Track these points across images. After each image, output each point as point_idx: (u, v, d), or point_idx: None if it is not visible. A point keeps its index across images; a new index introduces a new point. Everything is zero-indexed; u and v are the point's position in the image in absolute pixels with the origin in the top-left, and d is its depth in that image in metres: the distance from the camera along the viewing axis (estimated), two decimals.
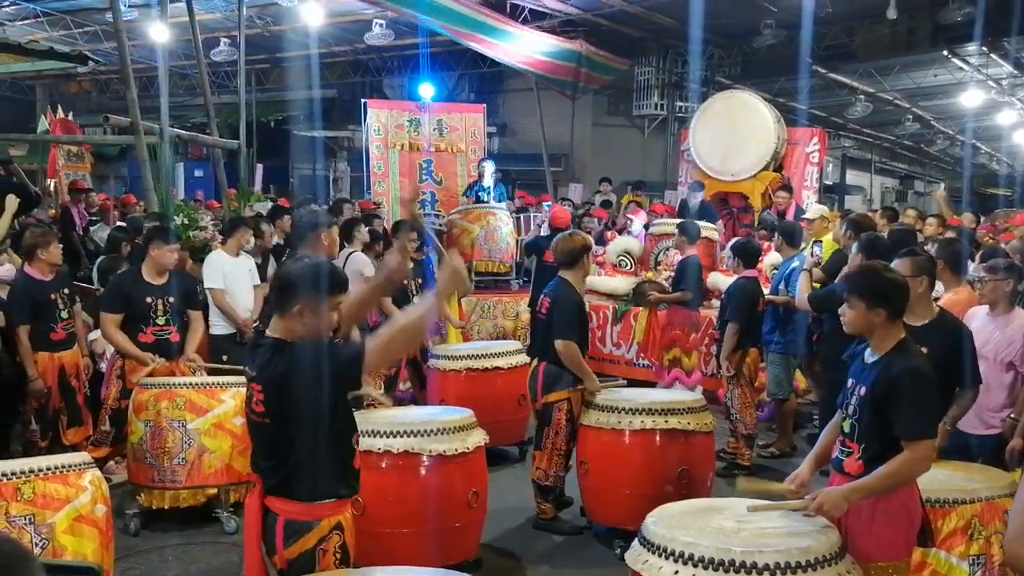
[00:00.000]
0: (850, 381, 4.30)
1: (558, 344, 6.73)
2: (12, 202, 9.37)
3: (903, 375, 4.02)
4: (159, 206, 11.15)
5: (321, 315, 3.80)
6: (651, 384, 9.97)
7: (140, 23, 18.95)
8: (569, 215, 12.69)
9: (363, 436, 5.91)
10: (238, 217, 10.16)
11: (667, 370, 10.36)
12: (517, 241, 13.30)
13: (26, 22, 20.09)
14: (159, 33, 15.96)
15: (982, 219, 13.94)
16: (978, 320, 6.19)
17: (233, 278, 8.92)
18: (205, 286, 8.72)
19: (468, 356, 8.61)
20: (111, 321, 7.48)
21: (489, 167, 14.70)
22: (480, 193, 14.30)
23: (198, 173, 25.33)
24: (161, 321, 7.55)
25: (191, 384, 7.09)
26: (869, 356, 4.23)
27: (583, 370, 6.83)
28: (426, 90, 17.15)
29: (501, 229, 12.87)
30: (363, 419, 6.10)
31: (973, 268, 6.63)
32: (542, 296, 7.11)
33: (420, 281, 10.08)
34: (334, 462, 3.86)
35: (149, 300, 7.51)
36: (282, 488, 3.81)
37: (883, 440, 4.05)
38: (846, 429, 4.23)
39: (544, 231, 12.78)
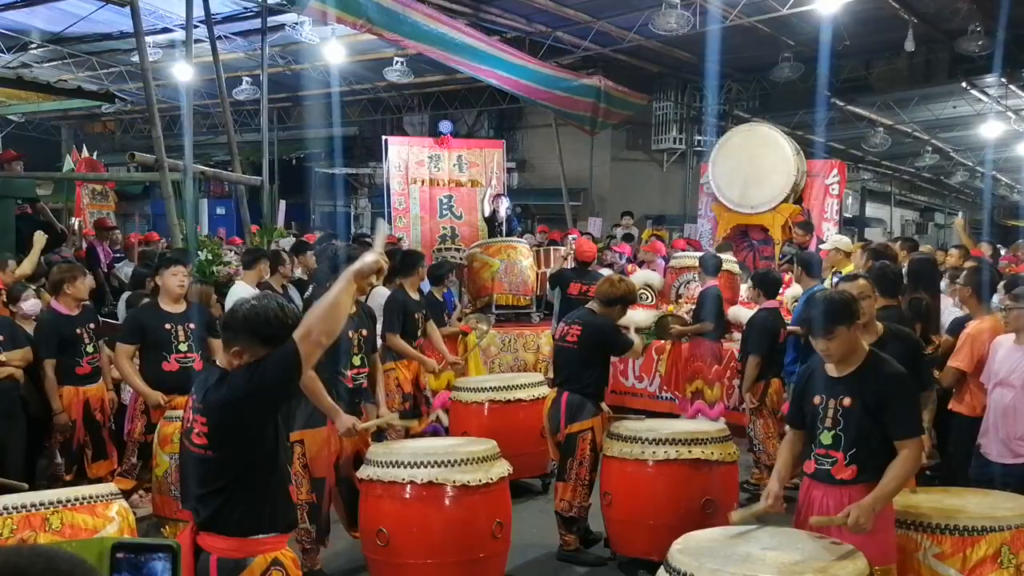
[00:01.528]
0: (817, 397, 4.58)
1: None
2: (40, 239, 9.48)
3: (893, 381, 4.42)
4: (183, 241, 11.23)
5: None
6: (674, 417, 9.94)
7: (164, 63, 19.15)
8: (595, 248, 12.71)
9: (386, 466, 5.93)
10: (257, 249, 10.21)
11: (690, 402, 10.32)
12: (537, 274, 13.31)
13: (53, 64, 20.33)
14: (183, 73, 16.11)
15: (1003, 250, 13.88)
16: (1004, 348, 6.17)
17: None
18: None
19: (490, 388, 8.62)
20: (124, 352, 7.51)
21: (504, 203, 14.78)
22: (495, 225, 14.35)
23: (220, 210, 25.51)
24: (184, 348, 7.56)
25: None
26: (835, 371, 4.54)
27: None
28: (446, 127, 17.24)
29: (521, 263, 12.88)
30: (386, 450, 6.13)
31: (998, 298, 6.61)
32: (563, 325, 7.12)
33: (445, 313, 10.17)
34: (272, 493, 3.67)
35: (168, 327, 7.51)
36: (216, 522, 3.61)
37: (873, 442, 4.38)
38: (826, 441, 4.49)
39: (569, 263, 12.77)
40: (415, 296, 9.14)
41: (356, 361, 6.50)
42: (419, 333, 9.02)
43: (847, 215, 24.45)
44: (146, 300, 8.50)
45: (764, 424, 8.52)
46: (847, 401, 4.44)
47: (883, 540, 4.38)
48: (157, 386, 7.48)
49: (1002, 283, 6.55)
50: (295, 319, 3.66)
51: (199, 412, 3.64)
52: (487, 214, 15.23)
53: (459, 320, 11.42)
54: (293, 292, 9.88)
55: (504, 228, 14.53)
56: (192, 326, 7.66)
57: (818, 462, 4.54)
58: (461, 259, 13.35)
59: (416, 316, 8.94)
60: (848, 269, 9.54)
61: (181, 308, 7.69)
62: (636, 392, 11.88)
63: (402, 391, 8.87)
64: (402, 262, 9.45)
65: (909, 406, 4.45)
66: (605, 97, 18.66)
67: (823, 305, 4.58)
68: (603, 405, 7.18)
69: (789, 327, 8.88)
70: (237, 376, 3.58)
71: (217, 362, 3.81)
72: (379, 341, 8.02)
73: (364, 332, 6.58)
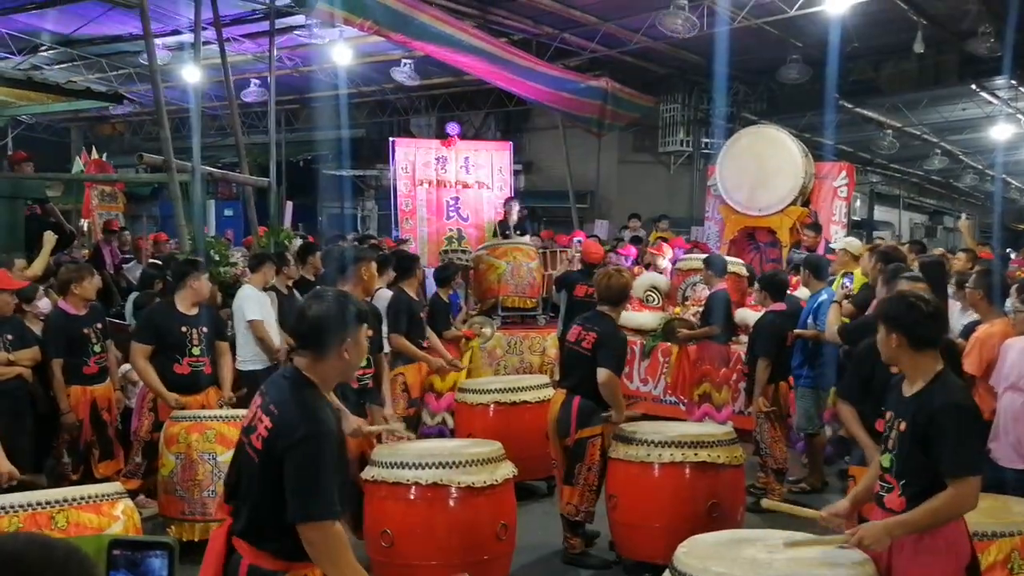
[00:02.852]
0: (888, 413, 4.23)
1: (603, 374, 6.74)
2: (50, 239, 9.52)
3: (944, 411, 3.92)
4: (190, 243, 11.25)
5: (360, 353, 3.75)
6: (679, 421, 9.92)
7: (173, 65, 19.18)
8: (603, 250, 12.70)
9: (391, 468, 5.93)
10: (263, 253, 10.25)
11: (697, 405, 10.31)
12: (544, 276, 13.30)
13: (63, 66, 20.38)
14: (192, 75, 16.16)
15: (1013, 254, 13.83)
16: (1015, 352, 6.15)
17: (266, 312, 9.00)
18: (247, 318, 8.79)
19: (496, 390, 8.63)
20: (141, 352, 7.55)
21: (515, 207, 14.79)
22: (507, 232, 14.35)
23: (228, 212, 25.51)
24: (196, 352, 7.63)
25: (221, 417, 7.15)
26: (907, 389, 4.16)
27: (619, 401, 6.88)
28: (452, 129, 17.25)
29: (528, 265, 12.88)
30: (391, 451, 6.14)
31: (1011, 302, 6.58)
32: (578, 328, 7.09)
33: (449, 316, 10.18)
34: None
35: (184, 330, 7.59)
36: (252, 534, 3.56)
37: (925, 476, 3.95)
38: (885, 464, 4.14)
39: (576, 266, 12.76)
40: (416, 298, 9.19)
41: (362, 362, 6.49)
42: (425, 334, 9.05)
43: (855, 218, 24.42)
44: (159, 301, 8.53)
45: (771, 427, 8.50)
46: (903, 425, 4.06)
47: (924, 570, 3.96)
48: (168, 387, 7.53)
49: (1015, 286, 6.52)
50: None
51: (267, 413, 3.57)
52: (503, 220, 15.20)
53: (463, 323, 11.41)
54: (298, 295, 9.91)
55: (516, 232, 14.50)
56: (205, 330, 7.74)
57: (880, 486, 4.18)
58: (467, 261, 13.34)
59: (420, 317, 8.98)
60: (857, 272, 9.53)
61: (195, 311, 7.74)
62: (640, 395, 11.86)
63: (408, 396, 8.90)
64: (399, 266, 9.48)
65: (960, 441, 3.89)
66: (612, 99, 18.65)
67: (892, 297, 4.45)
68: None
69: (796, 330, 8.86)
70: (325, 407, 3.59)
71: (295, 364, 3.72)
72: (386, 343, 8.05)
73: (370, 332, 6.57)
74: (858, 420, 5.65)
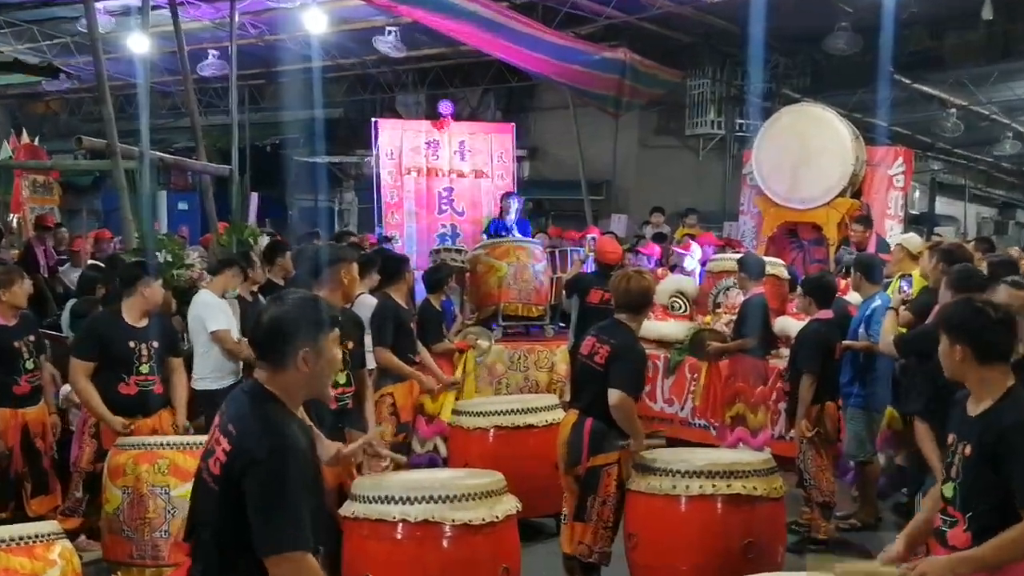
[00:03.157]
0: (950, 437, 4.23)
1: (616, 397, 6.69)
2: None
3: (1015, 430, 3.92)
4: (138, 241, 11.25)
5: (328, 364, 3.77)
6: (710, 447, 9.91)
7: (117, 33, 19.18)
8: (621, 249, 12.68)
9: (374, 502, 5.93)
10: (229, 256, 10.24)
11: (730, 429, 10.30)
12: (552, 280, 13.31)
13: None
14: (139, 44, 16.19)
15: None
16: None
17: (230, 321, 9.00)
18: (210, 328, 8.75)
19: (496, 412, 8.59)
20: (81, 369, 7.55)
21: (514, 204, 14.80)
22: (501, 232, 14.37)
23: (183, 206, 25.53)
24: (145, 369, 7.65)
25: (175, 444, 7.12)
26: (972, 408, 4.16)
27: (635, 427, 6.83)
28: (446, 108, 17.26)
29: (533, 266, 12.87)
30: (374, 483, 6.14)
31: None
32: (592, 339, 7.08)
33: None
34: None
35: (132, 345, 7.60)
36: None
37: (994, 507, 3.94)
38: (948, 494, 4.14)
39: (589, 267, 12.74)
40: (405, 305, 9.20)
41: (340, 379, 6.52)
42: (415, 347, 9.06)
43: (913, 211, 24.35)
44: (101, 309, 8.53)
45: (816, 455, 8.48)
46: (967, 449, 4.04)
47: None
48: (111, 411, 7.53)
49: None
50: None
51: (225, 433, 3.61)
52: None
53: (456, 334, 11.40)
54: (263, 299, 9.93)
55: (514, 233, 14.54)
56: (156, 344, 7.76)
57: (941, 519, 4.18)
58: (462, 262, 13.34)
59: (410, 327, 8.99)
60: (916, 273, 9.52)
61: (145, 322, 7.76)
62: (665, 417, 11.85)
63: (398, 419, 8.89)
64: (385, 268, 9.47)
65: None
66: (631, 73, 18.66)
67: (956, 303, 4.45)
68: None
69: (845, 341, 8.86)
70: (293, 423, 3.64)
71: (255, 377, 3.77)
72: (370, 358, 8.04)
73: (350, 344, 6.60)
74: (933, 438, 5.63)
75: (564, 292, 12.62)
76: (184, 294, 10.22)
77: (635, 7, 18.36)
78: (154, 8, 13.20)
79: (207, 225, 14.63)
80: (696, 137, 24.00)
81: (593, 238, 14.39)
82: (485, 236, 14.65)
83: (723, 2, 16.32)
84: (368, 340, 7.88)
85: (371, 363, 8.16)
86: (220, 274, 9.29)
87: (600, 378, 6.83)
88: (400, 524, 5.84)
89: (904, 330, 8.16)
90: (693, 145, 24.29)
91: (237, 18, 15.35)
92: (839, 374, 8.85)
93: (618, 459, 6.81)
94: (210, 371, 8.84)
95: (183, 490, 6.85)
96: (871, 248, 12.18)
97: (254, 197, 16.26)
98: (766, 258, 11.52)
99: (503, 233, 14.28)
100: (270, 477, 3.42)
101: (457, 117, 17.87)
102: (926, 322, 7.47)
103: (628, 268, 8.09)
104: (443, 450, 9.61)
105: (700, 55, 22.62)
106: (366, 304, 8.94)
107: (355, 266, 6.76)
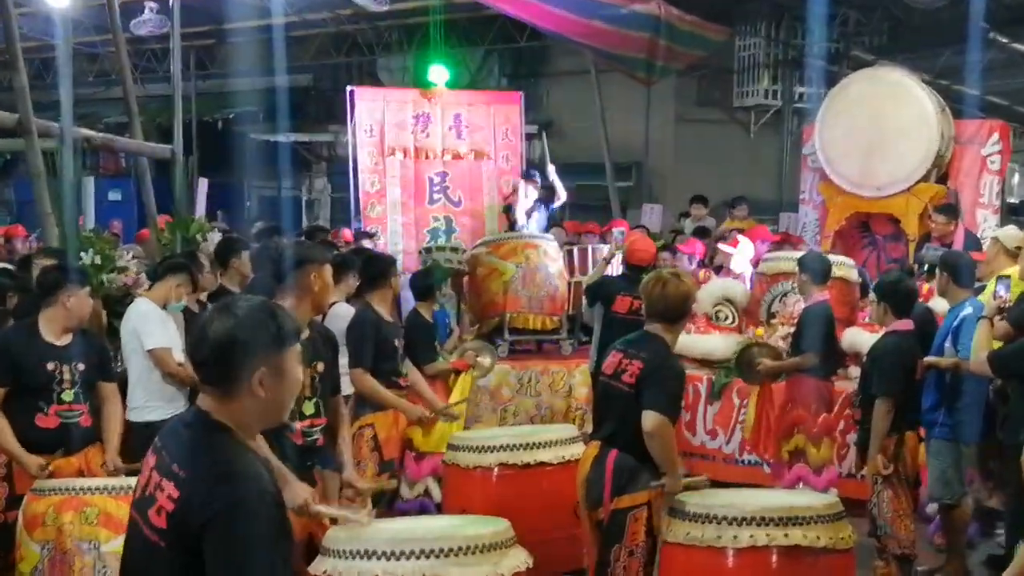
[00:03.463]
0: None
1: (651, 420, 6.71)
2: None
3: None
4: (59, 239, 11.28)
5: (289, 386, 3.72)
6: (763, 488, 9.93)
7: None
8: (654, 246, 12.69)
9: (352, 558, 5.95)
10: (176, 260, 10.21)
11: (787, 466, 10.32)
12: (570, 285, 13.33)
13: None
14: None
15: None
16: None
17: (172, 336, 8.99)
18: (146, 346, 8.74)
19: (501, 447, 8.55)
20: None
21: (530, 188, 14.83)
22: (515, 221, 14.42)
23: (114, 195, 25.58)
24: (68, 397, 7.64)
25: (107, 488, 7.10)
26: None
27: (673, 461, 6.84)
28: (439, 73, 17.29)
29: (547, 268, 12.91)
30: (352, 535, 6.15)
31: None
32: (618, 355, 7.11)
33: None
34: None
35: (51, 367, 7.60)
36: None
37: None
38: None
39: (616, 269, 12.74)
40: (389, 318, 9.20)
41: (307, 408, 6.52)
42: (401, 369, 9.07)
43: (1012, 199, 24.39)
44: (13, 324, 8.55)
45: (894, 497, 8.50)
46: None
47: None
48: (27, 448, 7.52)
49: None
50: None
51: (169, 476, 3.56)
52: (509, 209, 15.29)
53: (451, 352, 11.37)
54: None
55: (529, 225, 14.60)
56: (81, 367, 7.77)
57: None
58: (460, 263, 13.39)
59: (395, 344, 8.99)
60: (1014, 273, 9.54)
61: (68, 340, 7.77)
62: (707, 453, 11.87)
63: (380, 456, 8.91)
64: (365, 271, 9.48)
65: None
66: (667, 31, 18.68)
67: None
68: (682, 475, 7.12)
69: (929, 358, 8.87)
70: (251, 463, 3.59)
71: (199, 405, 3.70)
72: (346, 381, 8.06)
73: (320, 366, 6.61)
74: None
75: (584, 299, 12.63)
76: (117, 304, 10.23)
77: None
78: None
79: (145, 219, 14.64)
80: (746, 109, 24.06)
81: (621, 232, 14.39)
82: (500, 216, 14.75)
83: None
84: (344, 360, 7.91)
85: (347, 388, 8.18)
86: (163, 281, 9.26)
87: (628, 401, 6.85)
88: None
89: (1000, 344, 8.17)
90: (743, 119, 24.35)
91: None
92: (921, 398, 8.87)
93: (648, 501, 6.83)
94: (149, 399, 8.78)
95: (116, 544, 6.82)
96: (958, 244, 12.18)
97: (202, 184, 16.23)
98: (831, 257, 11.51)
99: (515, 222, 14.33)
100: (237, 532, 3.37)
101: (452, 85, 17.89)
102: None
103: (663, 269, 8.08)
104: (436, 494, 9.61)
105: (752, 9, 22.67)
106: (341, 315, 8.97)
107: (328, 269, 6.72)
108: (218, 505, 3.39)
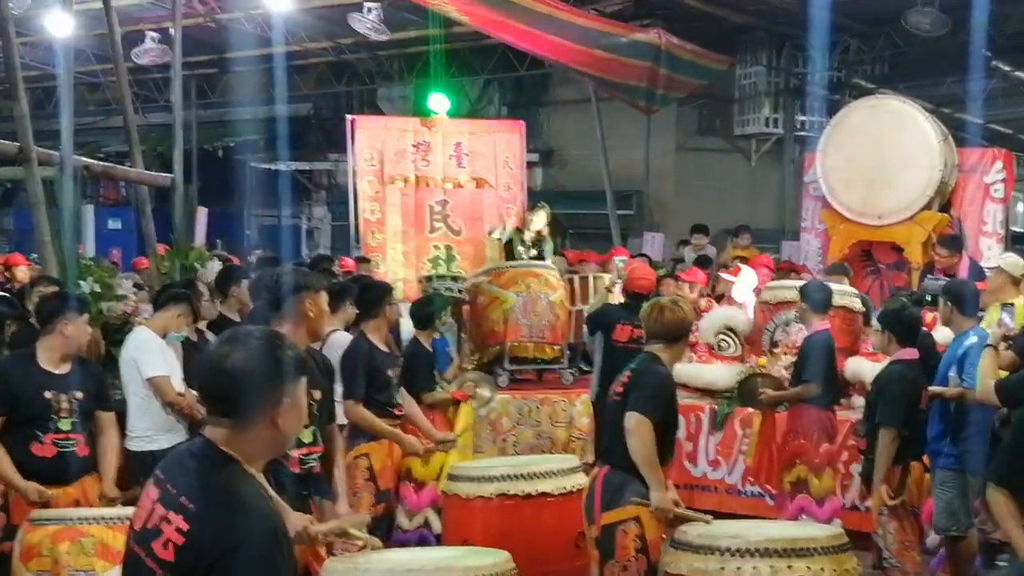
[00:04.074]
0: None
1: (631, 420, 6.74)
2: None
3: None
4: (58, 267, 11.25)
5: (298, 417, 3.73)
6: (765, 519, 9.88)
7: (34, 12, 19.27)
8: (654, 275, 12.69)
9: None
10: (177, 290, 10.19)
11: (789, 497, 10.27)
12: (571, 314, 13.30)
13: None
14: (61, 25, 16.23)
15: None
16: None
17: (171, 364, 8.97)
18: (145, 375, 8.73)
19: (501, 477, 8.51)
20: None
21: (541, 218, 14.79)
22: (519, 247, 14.38)
23: (114, 224, 25.63)
24: (65, 426, 7.61)
25: (104, 518, 7.06)
26: None
27: (652, 466, 6.82)
28: (439, 102, 17.29)
29: (547, 296, 12.88)
30: (350, 566, 6.10)
31: None
32: (619, 378, 7.12)
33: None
34: None
35: (48, 396, 7.59)
36: None
37: None
38: None
39: (617, 297, 12.71)
40: (384, 347, 9.16)
41: (306, 436, 6.48)
42: (395, 399, 9.02)
43: (1016, 228, 24.37)
44: (10, 353, 8.51)
45: (899, 528, 8.45)
46: None
47: None
48: (24, 477, 7.48)
49: None
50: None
51: (176, 509, 3.52)
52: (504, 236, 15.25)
53: (451, 382, 11.29)
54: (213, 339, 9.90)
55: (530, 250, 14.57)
56: (79, 396, 7.73)
57: None
58: (460, 292, 13.36)
59: (388, 374, 8.94)
60: (1020, 303, 9.50)
61: (65, 369, 7.75)
62: (708, 485, 11.81)
63: (376, 486, 8.86)
64: (360, 299, 9.43)
65: None
66: (667, 60, 18.72)
67: None
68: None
69: (934, 387, 8.82)
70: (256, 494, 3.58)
71: (207, 435, 3.66)
72: (340, 409, 8.03)
73: (317, 394, 6.57)
74: (1017, 515, 5.62)
75: (586, 328, 12.60)
76: (116, 332, 10.21)
77: None
78: None
79: (145, 248, 14.62)
80: (747, 138, 24.07)
81: (622, 261, 14.36)
82: (497, 245, 14.71)
83: None
84: (340, 388, 7.87)
85: (343, 417, 8.15)
86: (163, 310, 9.27)
87: (619, 411, 6.88)
88: None
89: (1006, 373, 8.13)
90: (744, 147, 24.36)
91: None
92: (927, 428, 8.81)
93: (636, 515, 6.81)
94: (147, 428, 8.77)
95: (112, 575, 6.84)
96: (962, 275, 12.14)
97: (202, 212, 16.21)
98: (834, 286, 11.48)
99: (519, 250, 14.30)
100: (250, 569, 3.36)
101: (453, 114, 17.88)
102: None
103: (662, 298, 8.07)
104: (436, 525, 9.56)
105: (753, 37, 22.70)
106: (340, 344, 8.92)
107: (323, 296, 6.69)
108: (232, 541, 3.37)
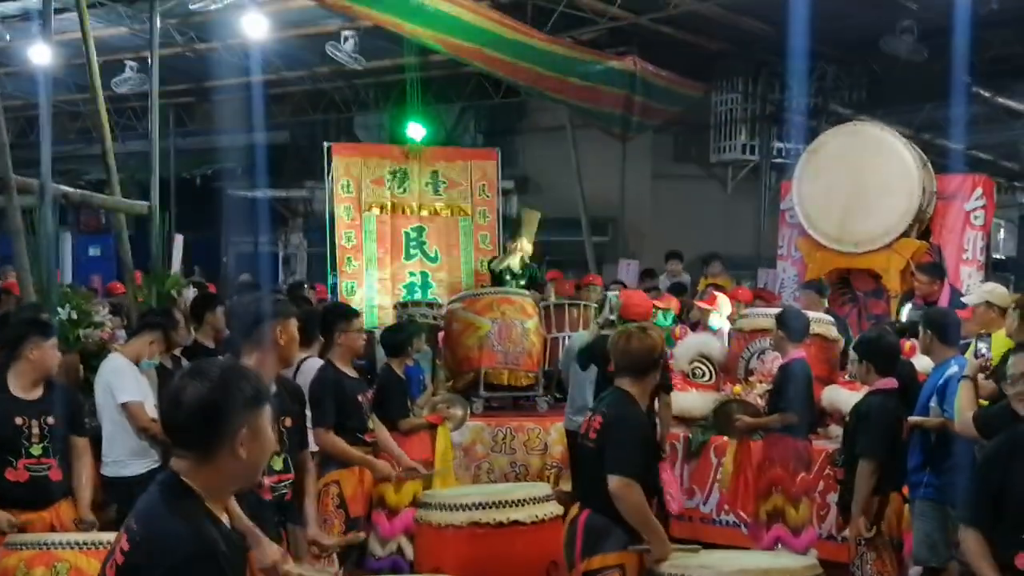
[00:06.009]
0: None
1: (613, 483, 6.59)
2: None
3: None
4: (37, 293, 11.21)
5: (264, 447, 3.78)
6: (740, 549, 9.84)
7: (14, 43, 19.24)
8: (650, 302, 12.61)
9: None
10: (153, 318, 10.15)
11: (765, 527, 10.23)
12: (546, 340, 13.26)
13: None
14: (40, 55, 16.17)
15: None
16: None
17: (144, 390, 8.97)
18: (119, 400, 8.79)
19: (474, 505, 8.46)
20: None
21: (523, 246, 14.79)
22: (503, 275, 14.37)
23: (93, 251, 25.64)
24: (37, 451, 7.59)
25: (78, 543, 7.03)
26: None
27: (648, 524, 6.72)
28: (415, 130, 17.29)
29: (523, 323, 12.86)
30: None
31: None
32: (590, 413, 7.05)
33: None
34: None
35: (20, 422, 7.56)
36: None
37: None
38: None
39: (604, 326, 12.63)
40: (351, 372, 9.11)
41: (277, 463, 6.45)
42: (367, 424, 8.98)
43: (997, 255, 24.39)
44: None
45: (878, 560, 8.40)
46: None
47: None
48: None
49: None
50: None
51: (126, 530, 3.64)
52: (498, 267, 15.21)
53: (423, 408, 11.22)
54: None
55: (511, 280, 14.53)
56: (51, 421, 7.69)
57: None
58: (435, 318, 13.33)
59: (358, 400, 8.91)
60: (999, 334, 9.46)
61: (38, 394, 7.73)
62: (684, 514, 11.74)
63: (346, 514, 8.80)
64: (323, 322, 9.36)
65: None
66: (643, 87, 18.76)
67: None
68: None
69: (914, 418, 8.79)
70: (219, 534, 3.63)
71: (172, 465, 3.75)
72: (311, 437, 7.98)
73: (288, 421, 6.54)
74: (987, 555, 5.57)
75: (577, 360, 12.48)
76: (93, 358, 10.20)
77: (646, 6, 18.42)
78: (58, 12, 13.16)
79: (122, 275, 14.58)
80: (723, 165, 24.09)
81: (619, 287, 14.32)
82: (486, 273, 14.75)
83: None
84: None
85: (315, 445, 8.10)
86: (138, 336, 9.31)
87: (595, 459, 6.80)
88: None
89: (986, 403, 8.09)
90: (719, 175, 24.39)
91: (159, 22, 15.34)
92: (906, 458, 8.77)
93: (621, 563, 6.73)
94: (121, 453, 8.84)
95: None
96: (943, 303, 12.09)
97: (178, 240, 16.17)
98: (810, 313, 11.46)
99: (503, 276, 14.30)
100: None
101: (429, 142, 17.87)
102: None
103: (630, 325, 8.00)
104: (409, 552, 9.53)
105: (729, 64, 22.72)
106: (312, 371, 8.89)
107: (293, 322, 6.67)
108: (167, 562, 3.44)
